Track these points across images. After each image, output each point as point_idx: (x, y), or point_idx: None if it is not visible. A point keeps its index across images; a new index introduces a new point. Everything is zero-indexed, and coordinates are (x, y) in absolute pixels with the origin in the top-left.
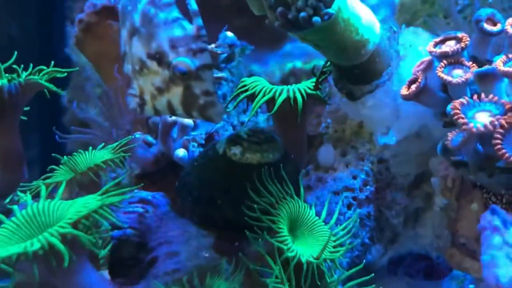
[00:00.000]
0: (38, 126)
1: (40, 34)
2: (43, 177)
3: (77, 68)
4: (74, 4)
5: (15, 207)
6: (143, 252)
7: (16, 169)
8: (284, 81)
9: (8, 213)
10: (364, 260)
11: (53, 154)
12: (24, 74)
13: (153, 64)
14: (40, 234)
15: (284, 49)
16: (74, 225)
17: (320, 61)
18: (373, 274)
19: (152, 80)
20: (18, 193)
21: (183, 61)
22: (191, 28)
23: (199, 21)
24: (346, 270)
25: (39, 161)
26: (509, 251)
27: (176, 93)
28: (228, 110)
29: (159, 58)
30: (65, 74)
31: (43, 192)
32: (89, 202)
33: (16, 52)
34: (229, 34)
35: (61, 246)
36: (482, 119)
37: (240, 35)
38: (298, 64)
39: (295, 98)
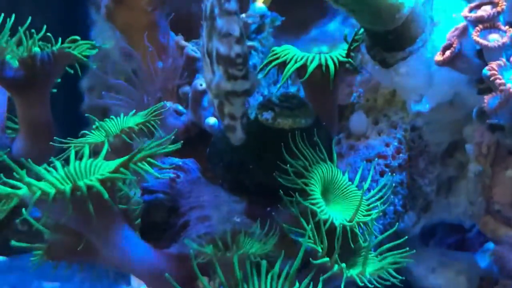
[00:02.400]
0: (54, 114)
1: (65, 24)
2: (76, 140)
3: (106, 45)
4: None
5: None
6: (174, 216)
7: (46, 140)
8: None
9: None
10: (397, 224)
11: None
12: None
13: (207, 60)
14: None
15: (310, 34)
16: (113, 173)
17: (345, 46)
18: (406, 237)
19: (207, 71)
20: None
21: (217, 84)
22: (233, 52)
23: (237, 48)
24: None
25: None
26: None
27: (214, 98)
28: (258, 78)
29: (210, 60)
30: (96, 50)
31: (87, 151)
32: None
33: (45, 26)
34: (259, 4)
35: (100, 187)
36: None
37: None
38: (324, 49)
39: (327, 66)
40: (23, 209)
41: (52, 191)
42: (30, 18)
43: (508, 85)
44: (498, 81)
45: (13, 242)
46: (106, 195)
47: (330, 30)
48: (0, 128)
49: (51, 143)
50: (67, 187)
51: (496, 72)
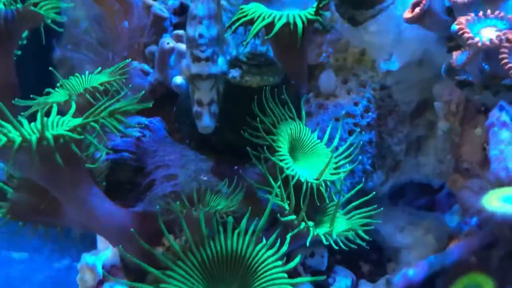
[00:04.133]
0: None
1: None
2: (40, 99)
3: (73, 4)
4: None
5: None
6: (140, 175)
7: (10, 101)
8: None
9: None
10: (362, 183)
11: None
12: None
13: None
14: None
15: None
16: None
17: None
18: (374, 192)
19: None
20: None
21: (185, 67)
22: (197, 32)
23: (200, 28)
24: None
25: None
26: None
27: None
28: (226, 35)
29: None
30: (61, 16)
31: (55, 109)
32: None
33: None
34: None
35: (68, 133)
36: (488, 34)
37: None
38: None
39: (295, 24)
40: None
41: (18, 139)
42: None
43: (477, 39)
44: (466, 35)
45: None
46: (75, 136)
47: None
48: None
49: (14, 100)
50: (34, 137)
51: (464, 27)
